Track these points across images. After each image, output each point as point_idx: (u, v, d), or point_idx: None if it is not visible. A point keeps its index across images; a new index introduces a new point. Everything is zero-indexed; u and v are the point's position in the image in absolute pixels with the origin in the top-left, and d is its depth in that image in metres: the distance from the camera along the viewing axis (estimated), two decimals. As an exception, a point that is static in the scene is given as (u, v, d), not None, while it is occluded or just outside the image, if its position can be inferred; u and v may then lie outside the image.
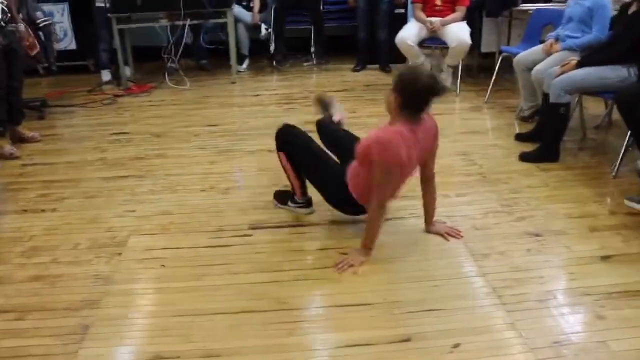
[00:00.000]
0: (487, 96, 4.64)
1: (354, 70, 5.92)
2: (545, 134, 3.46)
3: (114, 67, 5.80)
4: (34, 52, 4.62)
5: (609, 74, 3.17)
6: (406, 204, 2.92)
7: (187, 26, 5.37)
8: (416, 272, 2.42)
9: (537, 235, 2.65)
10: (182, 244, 2.71)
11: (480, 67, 5.62)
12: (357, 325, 2.10)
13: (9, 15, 3.89)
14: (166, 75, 5.60)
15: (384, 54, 5.75)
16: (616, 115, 3.88)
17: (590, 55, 3.35)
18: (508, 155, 3.61)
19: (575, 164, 3.49)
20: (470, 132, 4.12)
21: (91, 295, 2.29)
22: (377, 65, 5.94)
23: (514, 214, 2.86)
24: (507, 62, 4.43)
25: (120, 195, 3.28)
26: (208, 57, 6.30)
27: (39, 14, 4.77)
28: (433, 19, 4.69)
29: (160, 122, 4.60)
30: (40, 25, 4.73)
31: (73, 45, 6.17)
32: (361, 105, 4.79)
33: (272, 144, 2.84)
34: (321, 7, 6.16)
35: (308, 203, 2.92)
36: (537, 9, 4.45)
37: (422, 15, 4.78)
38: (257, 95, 5.34)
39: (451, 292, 2.27)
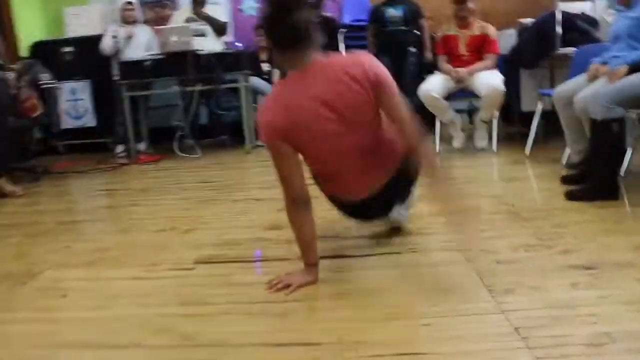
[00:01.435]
0: (528, 148, 3.90)
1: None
2: (597, 163, 2.66)
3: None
4: (36, 114, 4.42)
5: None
6: (406, 239, 2.20)
7: (197, 93, 5.08)
8: (398, 308, 1.63)
9: (588, 268, 1.81)
10: (100, 276, 2.09)
11: (523, 134, 4.81)
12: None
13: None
14: (176, 144, 5.21)
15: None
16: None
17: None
18: (551, 197, 2.79)
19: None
20: (506, 180, 3.35)
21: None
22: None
23: (555, 247, 2.04)
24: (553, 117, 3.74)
25: (66, 234, 2.77)
26: (228, 134, 5.90)
27: (43, 76, 4.60)
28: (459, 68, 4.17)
29: (151, 180, 4.12)
30: (43, 86, 4.54)
31: (93, 123, 6.00)
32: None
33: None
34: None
35: None
36: (579, 48, 3.84)
37: (447, 65, 4.26)
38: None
39: (446, 332, 1.47)
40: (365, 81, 1.74)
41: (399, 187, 1.99)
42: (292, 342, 1.47)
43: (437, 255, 2.06)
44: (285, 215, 1.83)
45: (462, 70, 4.12)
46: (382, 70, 1.78)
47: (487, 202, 2.76)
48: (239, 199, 3.25)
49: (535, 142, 3.97)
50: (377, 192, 1.92)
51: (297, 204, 1.78)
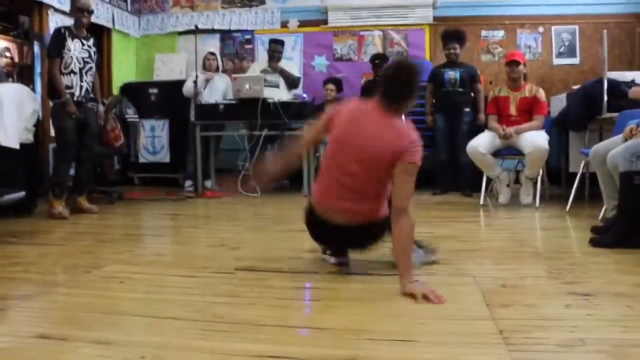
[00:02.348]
0: (568, 205, 3.98)
1: (433, 194, 5.50)
2: (620, 213, 2.78)
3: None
4: (118, 143, 4.98)
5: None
6: (428, 267, 2.41)
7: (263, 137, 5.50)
8: (403, 311, 1.85)
9: (586, 295, 1.95)
10: (154, 272, 2.43)
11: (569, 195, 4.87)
12: (292, 342, 1.59)
13: (92, 95, 4.26)
14: (238, 183, 5.61)
15: (466, 178, 5.31)
16: None
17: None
18: (577, 243, 2.91)
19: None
20: (540, 229, 3.47)
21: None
22: (458, 193, 5.48)
23: (562, 279, 2.18)
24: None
25: (130, 242, 3.15)
26: (288, 179, 6.23)
27: (129, 110, 5.21)
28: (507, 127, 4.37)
29: (212, 211, 4.52)
30: (127, 120, 5.13)
31: (167, 159, 6.58)
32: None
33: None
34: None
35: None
36: (623, 112, 3.95)
37: (496, 123, 4.47)
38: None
39: (437, 329, 1.67)
40: (398, 154, 2.10)
41: (363, 234, 2.30)
42: (305, 325, 1.71)
43: (450, 278, 2.24)
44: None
45: (509, 129, 4.31)
46: (416, 156, 2.12)
47: (514, 244, 2.92)
48: (286, 230, 3.55)
49: (579, 201, 4.07)
50: (347, 225, 2.24)
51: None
